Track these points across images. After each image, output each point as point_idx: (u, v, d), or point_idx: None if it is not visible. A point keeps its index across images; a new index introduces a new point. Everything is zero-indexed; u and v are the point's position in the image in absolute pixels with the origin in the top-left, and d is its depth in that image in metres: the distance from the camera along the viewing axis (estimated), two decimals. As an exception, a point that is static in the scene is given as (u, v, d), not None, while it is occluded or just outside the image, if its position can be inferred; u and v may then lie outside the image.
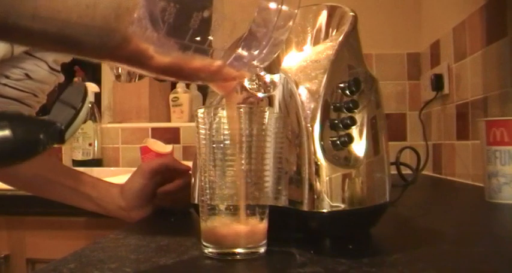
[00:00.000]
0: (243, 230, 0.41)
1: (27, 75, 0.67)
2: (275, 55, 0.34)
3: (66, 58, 0.73)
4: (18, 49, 0.60)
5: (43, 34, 0.26)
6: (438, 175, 1.30)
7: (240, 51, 0.32)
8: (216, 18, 0.31)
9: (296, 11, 0.32)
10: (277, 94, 0.47)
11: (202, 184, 0.42)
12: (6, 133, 0.40)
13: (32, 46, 0.29)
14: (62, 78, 0.76)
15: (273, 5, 0.32)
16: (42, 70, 0.70)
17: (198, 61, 0.32)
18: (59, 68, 0.73)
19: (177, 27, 0.29)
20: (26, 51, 0.64)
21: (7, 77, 0.64)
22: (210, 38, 0.30)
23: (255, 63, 0.33)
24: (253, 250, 0.41)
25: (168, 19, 0.28)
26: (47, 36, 0.26)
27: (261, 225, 0.42)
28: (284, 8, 0.32)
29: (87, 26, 0.26)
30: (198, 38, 0.30)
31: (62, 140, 0.52)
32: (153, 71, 0.32)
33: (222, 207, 0.41)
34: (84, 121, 1.49)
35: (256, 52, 0.32)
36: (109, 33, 0.27)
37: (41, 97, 0.74)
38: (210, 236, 0.42)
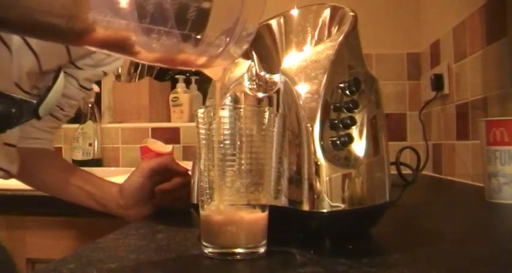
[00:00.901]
0: (243, 230, 0.41)
1: None
2: (247, 46, 0.34)
3: (98, 77, 0.75)
4: (48, 66, 0.61)
5: (6, 19, 0.26)
6: (438, 175, 1.30)
7: (212, 37, 0.32)
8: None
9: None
10: (277, 94, 0.47)
11: (202, 184, 0.42)
12: None
13: (4, 31, 0.29)
14: (91, 95, 0.79)
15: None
16: (71, 86, 0.73)
17: (166, 45, 0.32)
18: (89, 86, 0.76)
19: (134, 11, 0.29)
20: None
21: (38, 88, 0.65)
22: (173, 20, 0.30)
23: (229, 51, 0.33)
24: (253, 250, 0.41)
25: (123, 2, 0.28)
26: (13, 22, 0.27)
27: (261, 225, 0.42)
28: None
29: (47, 12, 0.27)
30: (160, 20, 0.30)
31: (37, 116, 0.54)
32: (132, 56, 0.32)
33: (222, 207, 0.41)
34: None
35: (227, 40, 0.32)
36: (71, 19, 0.28)
37: (68, 111, 0.77)
38: (210, 236, 0.42)
